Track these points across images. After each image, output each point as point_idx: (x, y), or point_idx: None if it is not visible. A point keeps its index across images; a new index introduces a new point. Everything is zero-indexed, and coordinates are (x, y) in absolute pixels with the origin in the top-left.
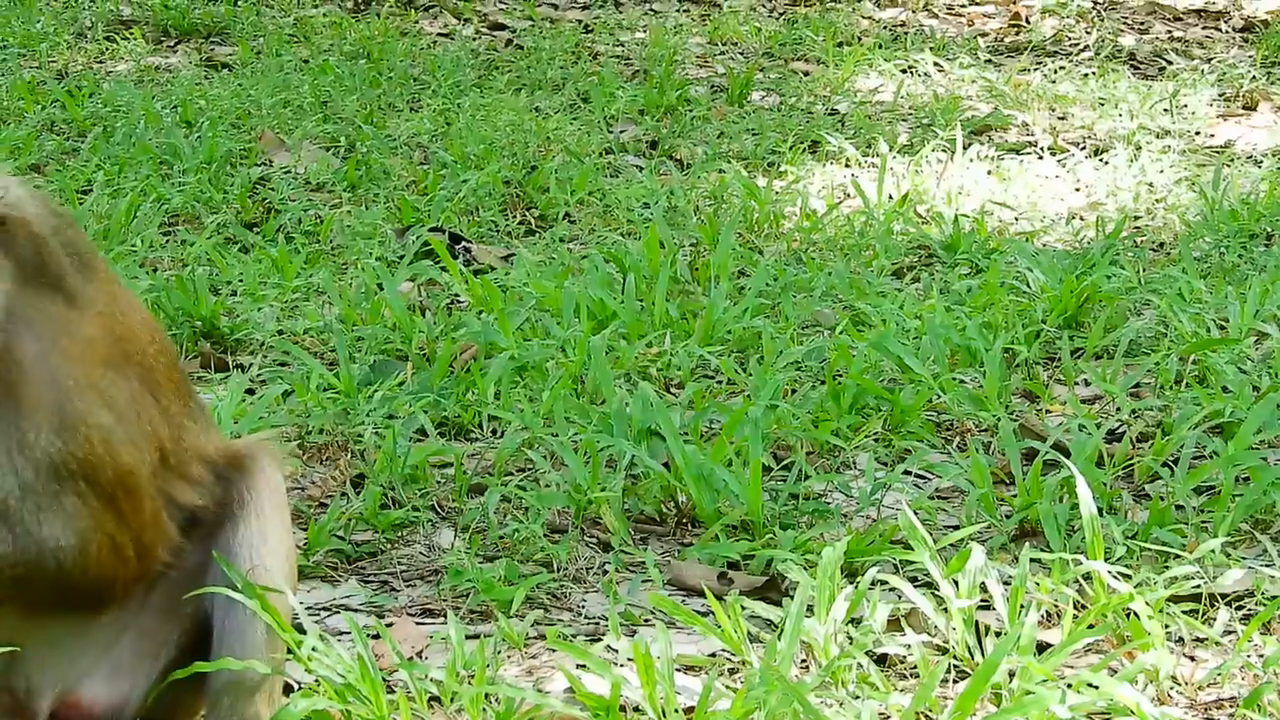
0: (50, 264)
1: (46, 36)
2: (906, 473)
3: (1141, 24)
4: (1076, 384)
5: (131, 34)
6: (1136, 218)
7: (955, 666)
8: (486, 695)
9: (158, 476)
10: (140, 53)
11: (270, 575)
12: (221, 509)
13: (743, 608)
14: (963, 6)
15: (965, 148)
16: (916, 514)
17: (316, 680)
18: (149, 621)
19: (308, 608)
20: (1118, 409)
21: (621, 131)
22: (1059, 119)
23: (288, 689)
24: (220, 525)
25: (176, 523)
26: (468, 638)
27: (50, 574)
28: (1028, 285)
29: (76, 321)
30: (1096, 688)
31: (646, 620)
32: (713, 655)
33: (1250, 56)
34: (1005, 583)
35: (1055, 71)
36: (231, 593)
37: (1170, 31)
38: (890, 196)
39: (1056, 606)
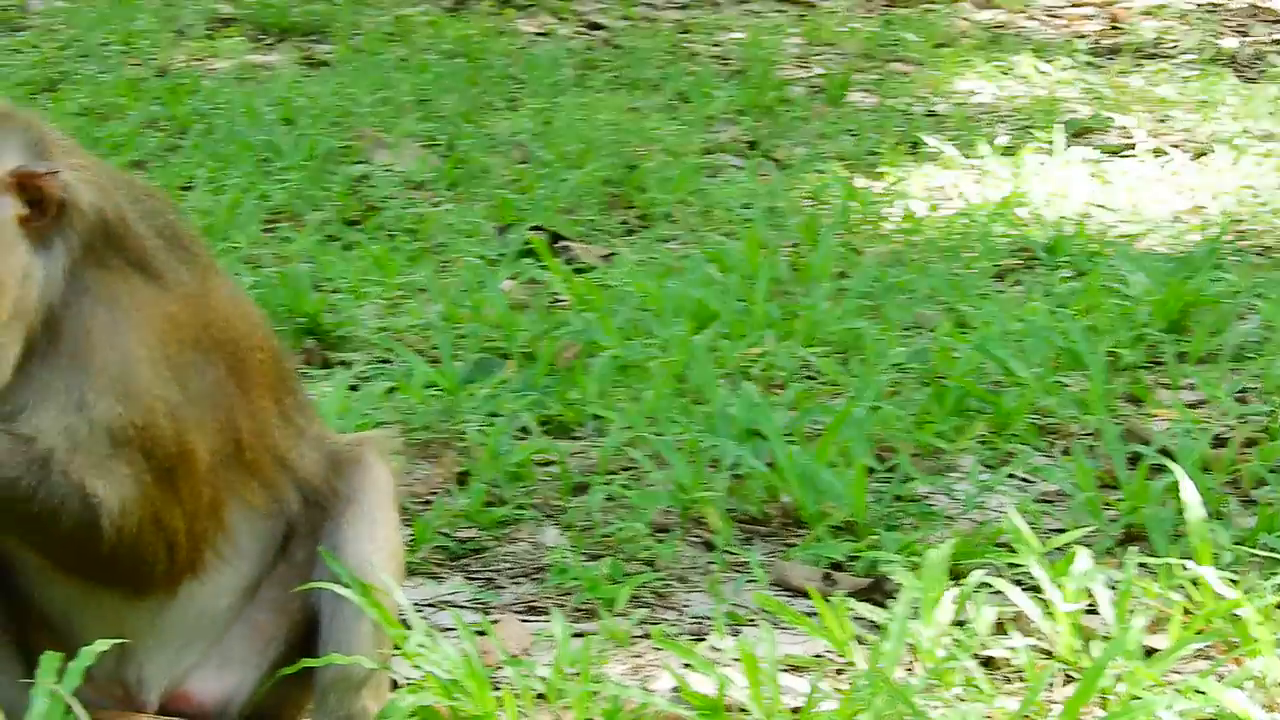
0: (130, 244)
1: (147, 34)
2: (1011, 476)
3: (1242, 26)
4: (1181, 388)
5: (231, 32)
6: (1239, 221)
7: (1062, 670)
8: (592, 693)
9: (227, 469)
10: (240, 50)
11: (377, 571)
12: (329, 504)
13: (848, 609)
14: (1062, 8)
15: (1065, 149)
16: (1021, 517)
17: (423, 676)
18: (258, 616)
19: (414, 604)
20: (1223, 413)
21: (720, 131)
22: (1160, 121)
23: (394, 685)
24: (328, 520)
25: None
26: (573, 635)
27: (81, 527)
28: (1130, 288)
29: (157, 298)
30: (1204, 694)
31: (751, 620)
32: (818, 656)
33: None
34: (1111, 587)
35: (1156, 74)
36: (339, 589)
37: (1271, 34)
38: (991, 198)
39: (1163, 611)
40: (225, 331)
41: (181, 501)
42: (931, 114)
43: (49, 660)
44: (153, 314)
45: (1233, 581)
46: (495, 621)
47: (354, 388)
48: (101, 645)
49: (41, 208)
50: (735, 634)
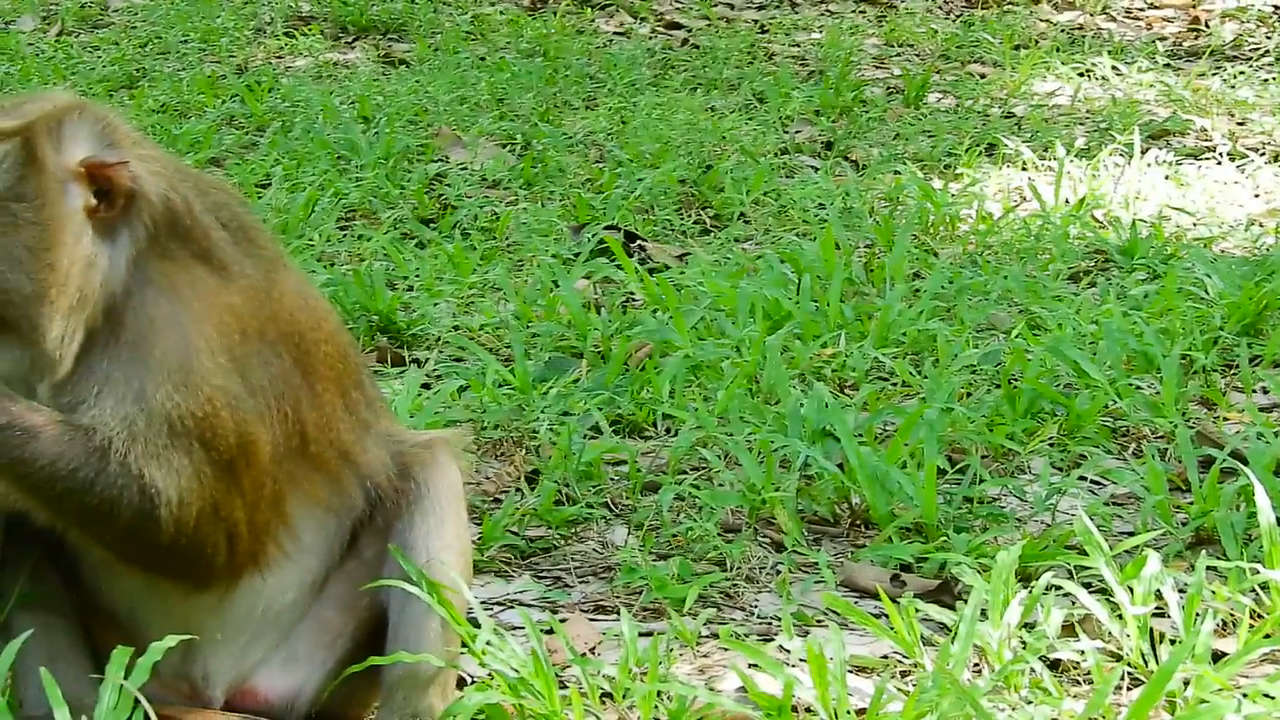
0: (195, 235)
1: (226, 32)
2: (1082, 478)
3: None
4: (1255, 392)
5: (310, 30)
6: None
7: (1129, 674)
8: (659, 692)
9: (290, 461)
10: (319, 49)
11: (446, 569)
12: (398, 501)
13: (916, 610)
14: (1141, 10)
15: (1143, 152)
16: (1092, 519)
17: (490, 674)
18: (326, 612)
19: (482, 602)
20: None
21: (797, 132)
22: (1238, 124)
23: (461, 683)
24: (397, 517)
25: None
26: (640, 635)
27: (139, 518)
28: (1206, 291)
29: (220, 289)
30: (1272, 698)
31: (819, 621)
32: (885, 657)
33: None
34: (1181, 590)
35: (1235, 76)
36: (408, 586)
37: None
38: (1067, 200)
39: (1233, 615)
40: (291, 324)
41: (242, 493)
42: (1009, 115)
43: (118, 656)
44: (215, 305)
45: None
46: (563, 620)
47: (427, 386)
48: (169, 641)
49: (110, 198)
50: (803, 634)
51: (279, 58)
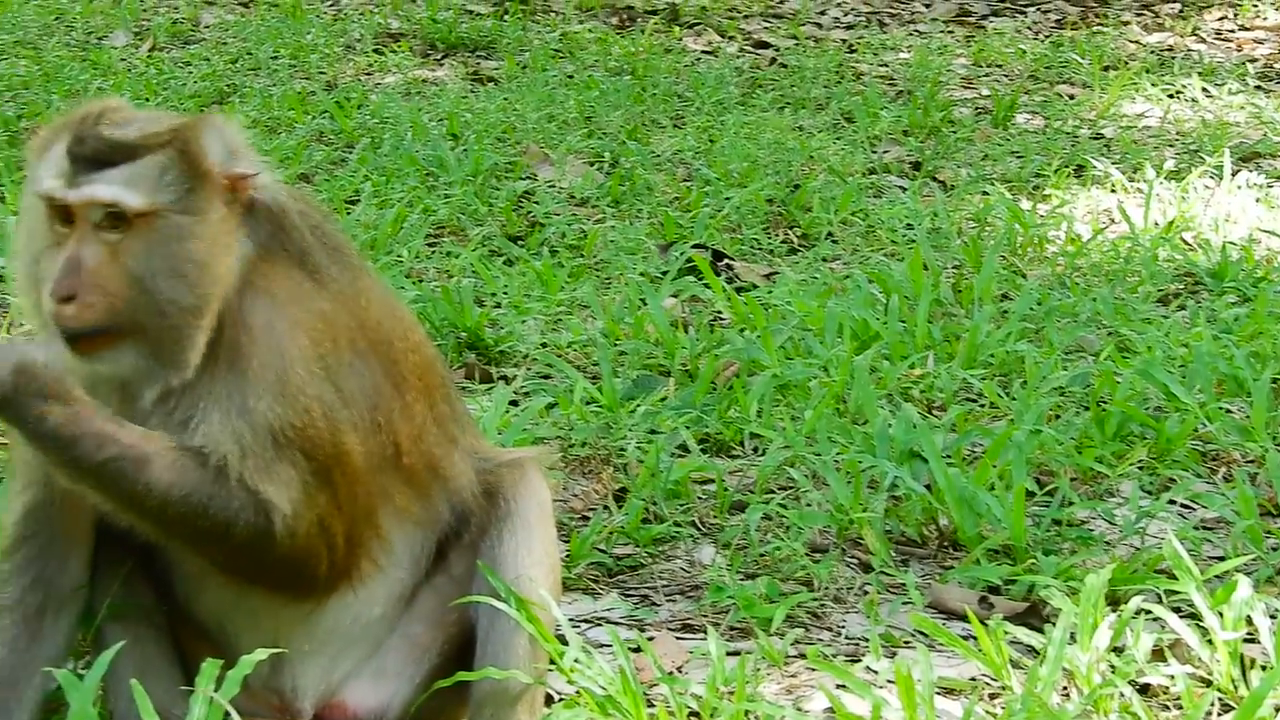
0: (293, 241)
1: (316, 48)
2: (1171, 502)
3: None
4: None
5: (399, 47)
6: None
7: (1220, 699)
8: (746, 712)
9: (382, 473)
10: (408, 65)
11: (535, 586)
12: (487, 518)
13: (1004, 632)
14: (1231, 32)
15: (1233, 175)
16: (1181, 543)
17: (577, 692)
18: (414, 627)
19: (569, 619)
20: None
21: (885, 152)
22: None
23: (549, 700)
24: (486, 534)
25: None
26: (728, 654)
27: (255, 534)
28: None
29: (313, 295)
30: None
31: (906, 642)
32: (973, 679)
33: None
34: (1272, 616)
35: None
36: (496, 603)
37: None
38: (1156, 223)
39: None
40: (378, 333)
41: (342, 503)
42: (1098, 137)
43: (208, 668)
44: (309, 310)
45: None
46: (650, 638)
47: (514, 403)
48: (259, 654)
49: (235, 208)
50: (891, 655)
51: (368, 74)
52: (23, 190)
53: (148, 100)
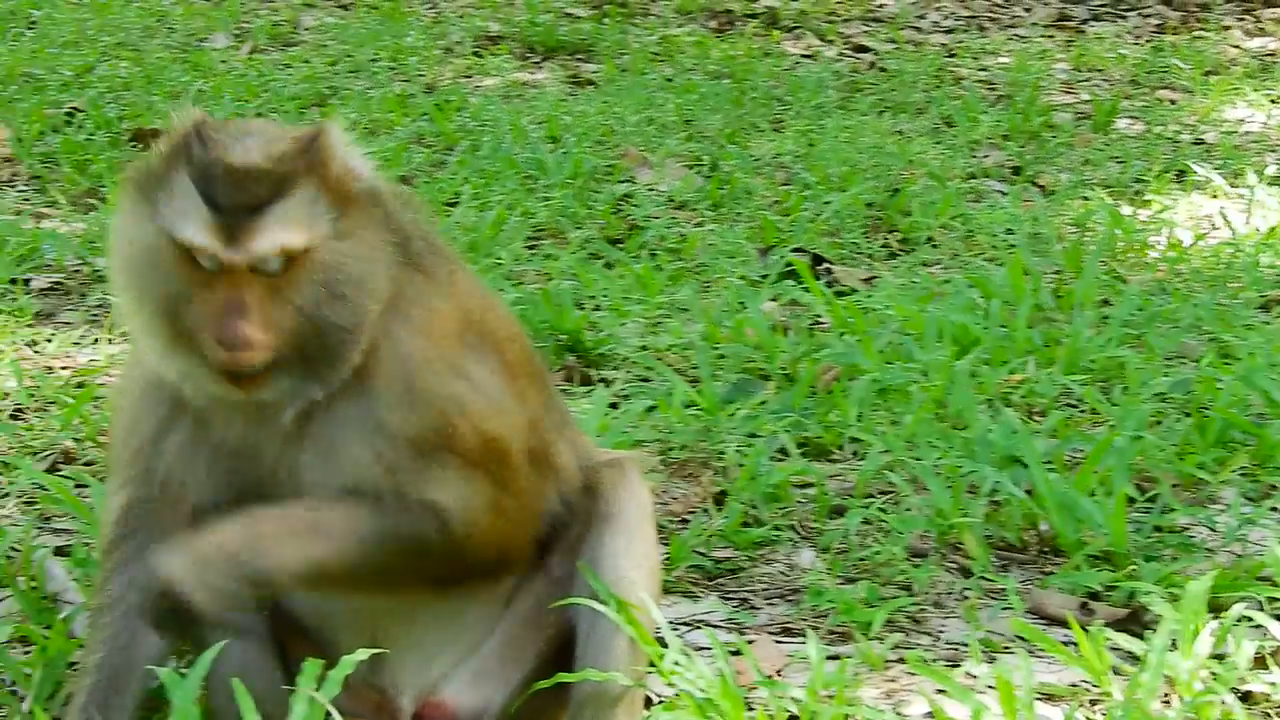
0: (402, 242)
1: (416, 51)
2: (1273, 509)
3: None
4: None
5: (499, 50)
6: None
7: None
8: (845, 716)
9: (527, 456)
10: (507, 68)
11: (635, 588)
12: (587, 518)
13: (1105, 639)
14: None
15: None
16: None
17: (677, 694)
18: (514, 629)
19: (669, 622)
20: None
21: (985, 156)
22: None
23: (648, 702)
24: (586, 535)
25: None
26: (827, 658)
27: (438, 539)
28: None
29: (428, 295)
30: None
31: (1006, 648)
32: (1073, 685)
33: None
34: None
35: None
36: (597, 605)
37: None
38: (1258, 228)
39: None
40: (484, 326)
41: (506, 484)
42: (1199, 142)
43: (309, 668)
44: (424, 309)
45: None
46: (750, 642)
47: (614, 405)
48: (361, 654)
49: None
50: (990, 661)
51: (467, 77)
52: (125, 215)
53: (247, 103)
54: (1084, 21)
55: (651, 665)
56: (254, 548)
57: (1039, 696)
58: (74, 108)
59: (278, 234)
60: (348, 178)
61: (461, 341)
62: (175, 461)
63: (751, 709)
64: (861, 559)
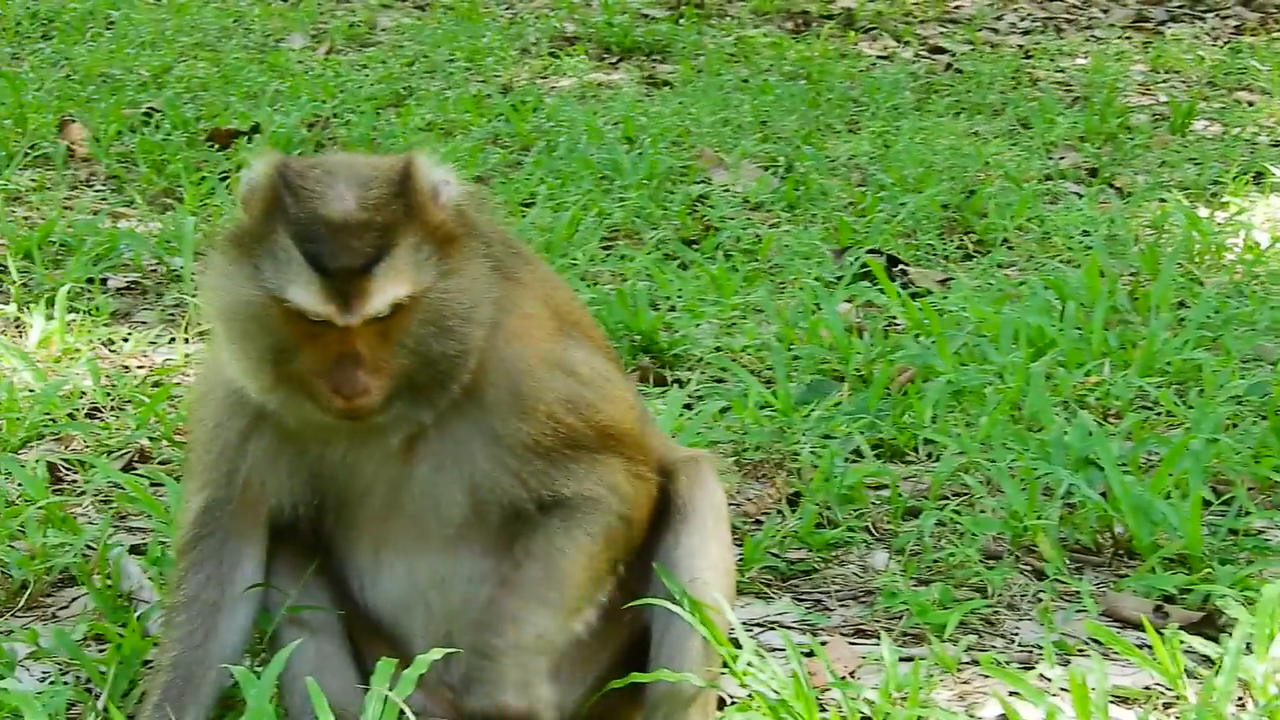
0: (491, 249)
1: (492, 51)
2: None
3: None
4: None
5: (574, 50)
6: None
7: None
8: (919, 718)
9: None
10: (583, 69)
11: (709, 589)
12: (662, 517)
13: (1180, 642)
14: None
15: None
16: None
17: (750, 695)
18: (588, 628)
19: (742, 623)
20: None
21: (1061, 158)
22: None
23: (721, 703)
24: (660, 534)
25: None
26: (901, 660)
27: (619, 521)
28: None
29: (519, 300)
30: None
31: (1080, 650)
32: (1147, 689)
33: None
34: None
35: None
36: (672, 606)
37: None
38: None
39: None
40: (571, 315)
41: (634, 457)
42: (1277, 144)
43: (383, 666)
44: (518, 316)
45: None
46: (823, 643)
47: (688, 406)
48: (435, 654)
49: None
50: (1064, 663)
51: (543, 77)
52: (224, 273)
53: (324, 103)
54: (1161, 23)
55: (725, 666)
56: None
57: (1113, 699)
58: (151, 108)
59: (388, 290)
60: (445, 215)
61: (556, 338)
62: (258, 466)
63: (824, 710)
64: (935, 561)
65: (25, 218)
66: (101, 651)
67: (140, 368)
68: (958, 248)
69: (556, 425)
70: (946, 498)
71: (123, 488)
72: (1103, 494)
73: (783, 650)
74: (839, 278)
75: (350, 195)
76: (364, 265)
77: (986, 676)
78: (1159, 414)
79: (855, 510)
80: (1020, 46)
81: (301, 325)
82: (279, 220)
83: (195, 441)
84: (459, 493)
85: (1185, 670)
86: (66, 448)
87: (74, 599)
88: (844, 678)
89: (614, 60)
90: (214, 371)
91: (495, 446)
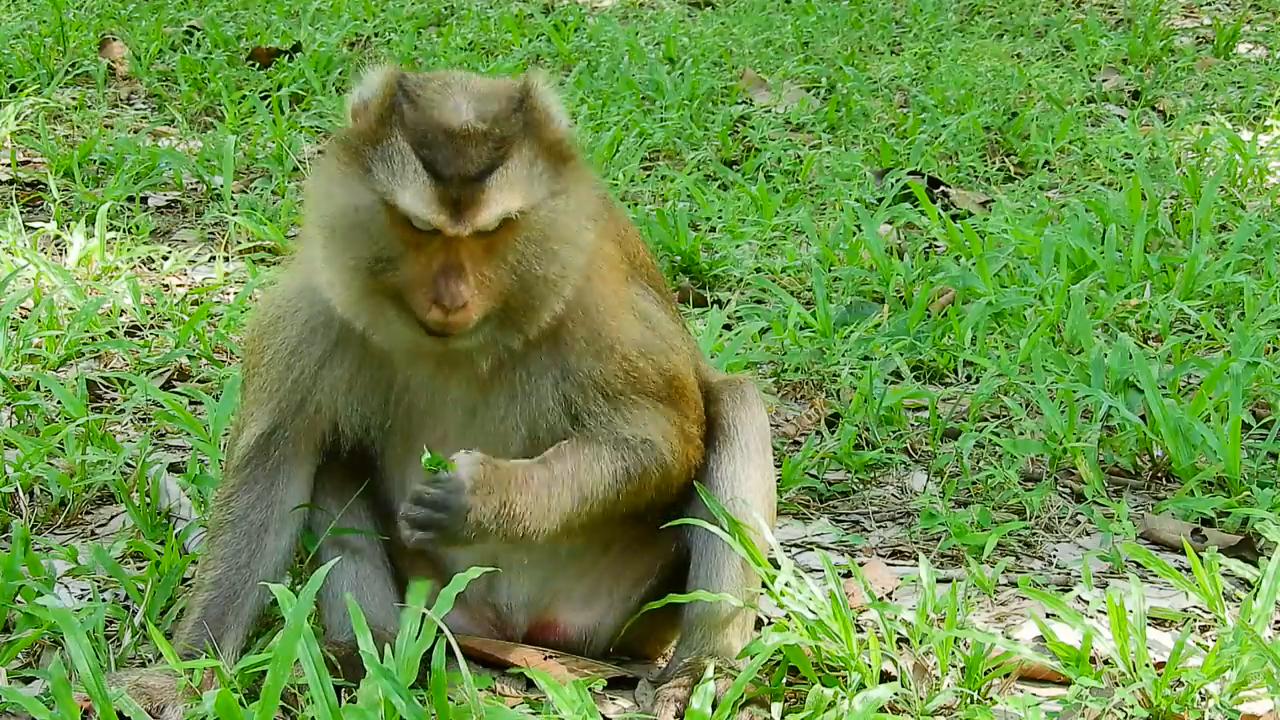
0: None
1: None
2: None
3: None
4: None
5: None
6: None
7: None
8: (956, 639)
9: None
10: None
11: (749, 510)
12: (704, 439)
13: (1218, 564)
14: None
15: None
16: None
17: (788, 615)
18: (627, 550)
19: (780, 543)
20: None
21: (1104, 80)
22: None
23: (759, 623)
24: (703, 455)
25: None
26: (938, 581)
27: (657, 470)
28: None
29: (599, 238)
30: None
31: (1118, 573)
32: (1185, 611)
33: None
34: None
35: None
36: (711, 526)
37: None
38: None
39: None
40: (640, 259)
41: (687, 412)
42: None
43: (419, 586)
44: (600, 259)
45: None
46: (861, 564)
47: (728, 327)
48: (473, 573)
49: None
50: (1102, 586)
51: None
52: (332, 175)
53: (365, 22)
54: None
55: (763, 586)
56: (530, 511)
57: (1150, 621)
58: (192, 26)
59: (500, 201)
60: (561, 134)
61: (630, 282)
62: (330, 394)
63: (861, 631)
64: (974, 483)
65: (66, 136)
66: (140, 569)
67: (180, 286)
68: (999, 170)
69: (629, 369)
70: (985, 419)
71: (162, 405)
72: (1142, 417)
73: (820, 571)
74: (880, 199)
75: (468, 106)
76: (478, 174)
77: (1024, 598)
78: (1199, 337)
79: (894, 431)
80: None
81: (408, 233)
82: (395, 127)
83: (268, 363)
84: (523, 424)
85: (1223, 593)
86: (106, 366)
87: (112, 516)
88: (881, 599)
89: None
90: (290, 296)
91: (566, 383)
